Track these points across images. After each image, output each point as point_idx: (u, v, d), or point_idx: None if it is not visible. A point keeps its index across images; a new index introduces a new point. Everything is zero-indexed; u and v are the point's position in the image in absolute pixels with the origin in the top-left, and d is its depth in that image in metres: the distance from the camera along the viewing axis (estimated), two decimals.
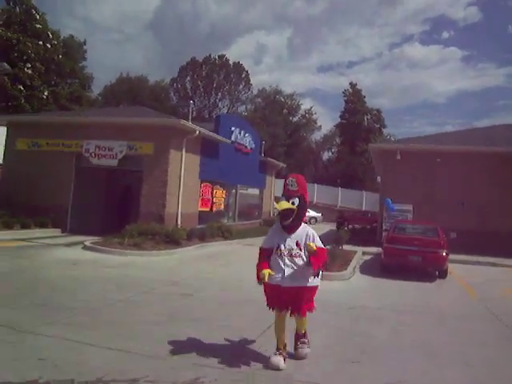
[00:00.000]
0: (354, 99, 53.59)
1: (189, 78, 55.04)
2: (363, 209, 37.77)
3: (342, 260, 11.96)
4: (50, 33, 32.75)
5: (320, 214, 35.35)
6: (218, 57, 55.02)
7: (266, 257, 4.71)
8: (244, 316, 6.55)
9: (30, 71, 30.54)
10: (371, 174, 39.77)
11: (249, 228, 22.32)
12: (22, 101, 30.17)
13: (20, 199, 15.84)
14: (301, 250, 4.62)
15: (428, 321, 7.06)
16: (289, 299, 4.63)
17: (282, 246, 4.65)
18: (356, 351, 5.28)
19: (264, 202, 28.36)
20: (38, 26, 31.91)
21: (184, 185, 16.65)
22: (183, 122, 15.96)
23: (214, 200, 20.12)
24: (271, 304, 4.76)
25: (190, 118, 17.89)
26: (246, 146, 22.83)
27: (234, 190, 23.09)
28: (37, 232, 14.97)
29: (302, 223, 4.78)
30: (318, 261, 4.55)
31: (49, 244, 13.19)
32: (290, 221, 4.61)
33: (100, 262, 10.65)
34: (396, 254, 11.30)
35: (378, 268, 11.94)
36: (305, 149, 57.57)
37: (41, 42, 31.59)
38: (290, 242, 4.65)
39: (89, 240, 13.34)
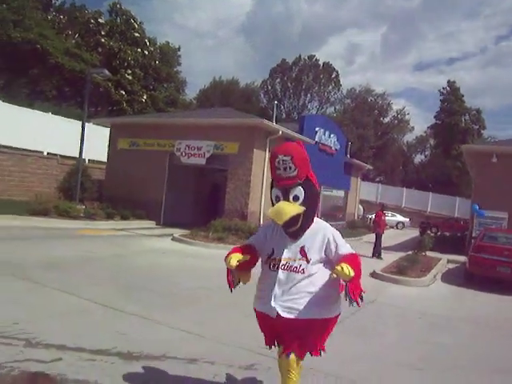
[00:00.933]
0: (451, 98, 50.71)
1: (279, 79, 55.83)
2: (455, 215, 35.95)
3: (422, 266, 11.76)
4: (147, 40, 35.19)
5: (408, 219, 34.23)
6: (308, 57, 55.16)
7: (243, 248, 3.13)
8: None
9: (130, 77, 33.02)
10: (467, 179, 37.68)
11: None
12: (124, 104, 32.70)
13: (121, 193, 17.42)
14: (307, 260, 2.93)
15: (507, 337, 6.56)
16: (286, 334, 3.05)
17: (277, 254, 3.00)
18: (419, 358, 5.04)
19: (348, 204, 28.17)
20: (137, 34, 34.44)
21: (267, 184, 17.13)
22: (266, 121, 16.49)
23: None
24: (267, 340, 3.26)
25: (275, 118, 18.40)
26: (330, 147, 22.88)
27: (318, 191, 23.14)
28: (134, 223, 16.37)
29: (315, 218, 3.06)
30: (357, 286, 2.84)
31: (143, 234, 14.41)
32: (298, 226, 2.94)
33: (185, 252, 11.46)
34: (482, 264, 10.67)
35: (461, 277, 11.39)
36: (395, 151, 55.83)
37: (139, 50, 34.03)
38: (292, 248, 2.98)
39: (178, 232, 14.33)
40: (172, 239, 13.60)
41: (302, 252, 2.97)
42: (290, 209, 2.85)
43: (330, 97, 56.65)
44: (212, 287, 7.62)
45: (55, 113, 22.02)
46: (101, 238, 12.56)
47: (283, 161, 2.87)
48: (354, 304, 2.84)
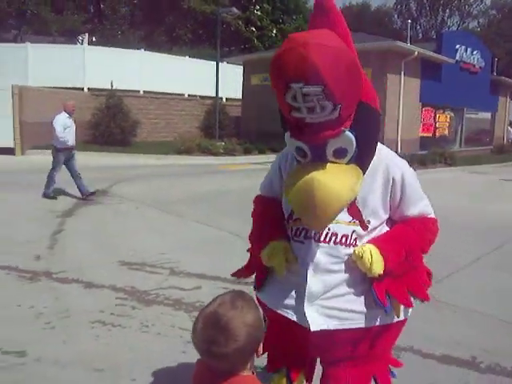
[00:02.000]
0: None
1: None
2: None
3: None
4: None
5: None
6: None
7: (269, 216, 1.84)
8: (449, 247, 6.08)
9: (259, 13, 32.90)
10: None
11: (477, 155, 20.81)
12: (255, 41, 32.91)
13: (256, 128, 18.13)
14: (363, 225, 1.63)
15: None
16: (320, 351, 1.80)
17: None
18: None
19: (496, 126, 25.73)
20: None
21: (403, 110, 16.49)
22: (399, 43, 15.55)
23: (437, 125, 19.35)
24: (275, 361, 1.92)
25: (409, 38, 17.12)
26: (473, 65, 20.80)
27: (460, 114, 21.64)
28: (270, 157, 16.87)
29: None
30: (402, 292, 1.65)
31: None
32: None
33: None
34: None
35: None
36: None
37: None
38: None
39: None
40: None
41: (353, 208, 1.62)
42: (339, 194, 1.44)
43: (472, 10, 50.83)
44: None
45: (192, 56, 23.11)
46: (240, 172, 13.24)
47: (305, 95, 1.36)
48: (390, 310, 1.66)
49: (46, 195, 8.08)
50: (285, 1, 34.56)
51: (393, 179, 1.66)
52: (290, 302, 1.67)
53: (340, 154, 1.48)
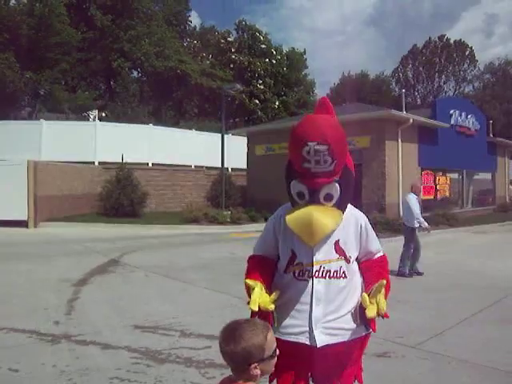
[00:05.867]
0: None
1: (410, 65, 54.14)
2: None
3: None
4: (273, 50, 36.69)
5: None
6: (438, 38, 52.96)
7: (259, 267, 2.33)
8: (450, 302, 6.41)
9: (261, 86, 34.73)
10: None
11: (480, 215, 21.16)
12: (259, 113, 34.45)
13: (262, 197, 18.58)
14: (347, 259, 2.16)
15: None
16: (322, 367, 2.16)
17: (304, 258, 2.15)
18: None
19: (497, 186, 26.29)
20: (263, 46, 36.18)
21: (403, 174, 16.95)
22: (394, 112, 16.30)
23: (438, 187, 19.75)
24: (281, 380, 2.17)
25: (404, 107, 18.00)
26: (469, 128, 21.61)
27: (460, 176, 22.23)
28: None
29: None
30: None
31: None
32: None
33: None
34: None
35: None
36: None
37: (267, 60, 35.59)
38: (324, 246, 2.13)
39: None
40: None
41: (338, 248, 2.14)
42: (326, 222, 2.02)
43: (467, 75, 53.77)
44: None
45: (198, 129, 24.22)
46: (245, 240, 13.47)
47: (316, 151, 1.96)
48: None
49: (400, 273, 8.24)
50: (286, 75, 36.57)
51: (360, 225, 2.25)
52: (300, 329, 2.12)
53: (328, 198, 2.08)
